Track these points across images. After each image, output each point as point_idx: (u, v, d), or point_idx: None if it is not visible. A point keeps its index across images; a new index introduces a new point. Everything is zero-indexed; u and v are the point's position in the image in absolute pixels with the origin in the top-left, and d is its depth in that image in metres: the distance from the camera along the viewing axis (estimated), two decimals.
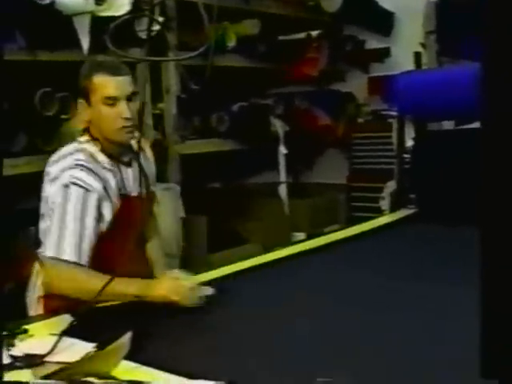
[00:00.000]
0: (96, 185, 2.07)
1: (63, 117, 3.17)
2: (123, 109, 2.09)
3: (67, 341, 1.67)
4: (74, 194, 2.03)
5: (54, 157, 2.15)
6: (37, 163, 2.87)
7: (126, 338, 1.59)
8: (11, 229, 3.03)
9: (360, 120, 4.88)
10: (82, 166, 2.07)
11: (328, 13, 4.57)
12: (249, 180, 5.40)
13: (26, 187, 2.56)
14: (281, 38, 4.49)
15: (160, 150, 3.73)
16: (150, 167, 2.38)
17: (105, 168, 2.13)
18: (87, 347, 1.66)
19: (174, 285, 1.98)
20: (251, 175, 5.37)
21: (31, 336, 1.75)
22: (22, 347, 1.64)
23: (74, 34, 3.07)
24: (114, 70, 2.09)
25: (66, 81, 3.20)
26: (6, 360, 1.54)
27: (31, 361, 1.55)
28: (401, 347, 1.67)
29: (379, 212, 3.74)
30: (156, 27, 2.98)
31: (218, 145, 4.20)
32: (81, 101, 2.15)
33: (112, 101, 2.09)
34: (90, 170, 2.08)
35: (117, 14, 3.07)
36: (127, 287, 1.97)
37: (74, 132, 3.15)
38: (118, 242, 2.14)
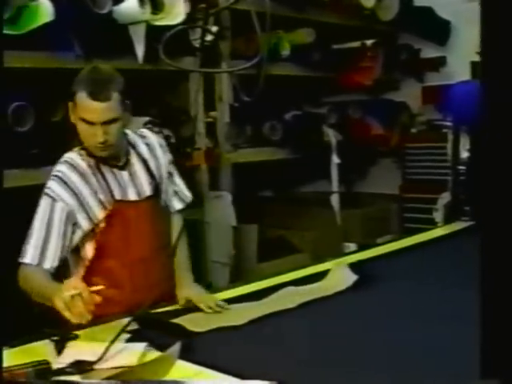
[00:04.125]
0: (65, 196, 2.08)
1: None
2: (98, 133, 2.04)
3: (118, 345, 1.67)
4: (42, 203, 2.08)
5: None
6: None
7: (176, 347, 1.60)
8: None
9: (414, 130, 4.82)
10: (56, 176, 2.10)
11: (383, 21, 4.53)
12: (301, 189, 5.38)
13: None
14: (335, 46, 4.46)
15: (212, 158, 3.76)
16: (158, 159, 2.30)
17: (86, 178, 2.12)
18: (138, 348, 1.67)
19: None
20: (303, 184, 5.35)
21: (82, 342, 1.76)
22: (72, 353, 1.65)
23: (130, 43, 3.10)
24: (95, 94, 2.01)
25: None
26: (56, 365, 1.56)
27: (81, 367, 1.56)
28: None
29: (432, 224, 3.68)
30: (209, 37, 2.98)
31: (270, 153, 4.19)
32: (70, 103, 2.10)
33: (88, 121, 2.04)
34: (62, 181, 2.09)
35: (172, 23, 3.10)
36: (46, 290, 1.93)
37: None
38: (118, 250, 2.14)
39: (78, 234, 2.12)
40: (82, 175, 2.12)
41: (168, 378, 1.52)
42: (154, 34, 3.12)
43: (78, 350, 1.68)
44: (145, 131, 2.40)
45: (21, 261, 2.04)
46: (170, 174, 2.35)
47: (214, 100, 3.85)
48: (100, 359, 1.60)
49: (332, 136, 4.42)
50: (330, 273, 2.39)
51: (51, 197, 2.07)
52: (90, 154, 2.14)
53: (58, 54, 2.94)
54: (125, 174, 2.19)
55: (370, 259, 2.82)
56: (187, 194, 2.41)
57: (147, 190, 2.22)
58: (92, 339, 1.78)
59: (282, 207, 4.80)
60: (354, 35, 4.50)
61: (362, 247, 3.72)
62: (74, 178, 2.10)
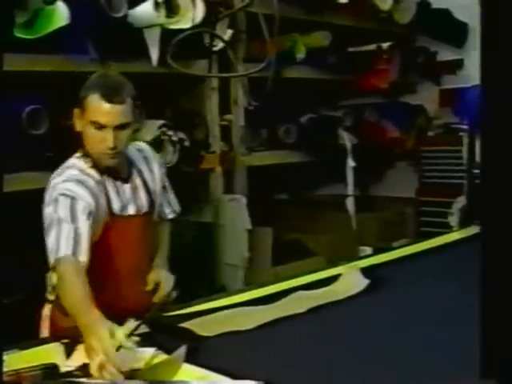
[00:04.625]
0: (84, 194, 2.00)
1: None
2: (109, 137, 1.99)
3: (128, 350, 1.67)
4: (61, 204, 1.97)
5: (55, 172, 2.11)
6: None
7: (182, 350, 1.60)
8: None
9: (430, 133, 4.79)
10: (70, 179, 2.03)
11: (400, 24, 4.51)
12: (316, 192, 5.37)
13: None
14: (351, 49, 4.44)
15: (227, 161, 3.76)
16: (154, 173, 2.26)
17: (96, 183, 2.07)
18: (148, 353, 1.67)
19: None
20: (319, 187, 5.33)
21: None
22: (80, 356, 1.66)
23: (144, 46, 3.11)
24: (110, 96, 1.97)
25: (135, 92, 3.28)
26: (64, 368, 1.57)
27: (89, 370, 1.56)
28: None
29: (448, 228, 3.65)
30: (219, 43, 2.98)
31: (285, 157, 4.19)
32: (76, 110, 2.06)
33: (99, 125, 1.99)
34: (78, 181, 2.03)
35: (187, 26, 3.11)
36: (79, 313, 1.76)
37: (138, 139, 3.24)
38: (109, 261, 2.10)
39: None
40: (93, 179, 2.06)
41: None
42: (169, 37, 3.14)
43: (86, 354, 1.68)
44: (142, 145, 2.34)
45: (55, 258, 1.90)
46: (164, 187, 2.33)
47: (229, 103, 3.85)
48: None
49: (347, 139, 4.40)
50: (342, 277, 2.38)
51: (69, 196, 1.98)
52: (94, 165, 2.08)
53: (73, 58, 2.96)
54: (127, 187, 2.16)
55: (385, 263, 2.81)
56: (177, 205, 2.44)
57: (145, 206, 2.19)
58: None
59: (298, 210, 4.79)
60: (370, 38, 4.48)
61: (377, 251, 3.71)
62: (84, 179, 2.04)
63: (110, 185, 2.11)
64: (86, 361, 1.62)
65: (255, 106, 3.81)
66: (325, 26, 4.13)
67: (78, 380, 1.54)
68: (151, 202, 2.22)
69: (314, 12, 4.04)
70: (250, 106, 3.93)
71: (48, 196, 2.03)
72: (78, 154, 2.13)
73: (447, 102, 4.70)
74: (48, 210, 1.99)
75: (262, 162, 4.02)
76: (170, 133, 3.32)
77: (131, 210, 2.15)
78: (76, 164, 2.09)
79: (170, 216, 2.39)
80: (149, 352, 1.67)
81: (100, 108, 1.98)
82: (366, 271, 2.51)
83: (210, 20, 3.08)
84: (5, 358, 1.64)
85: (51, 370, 1.53)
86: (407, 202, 4.87)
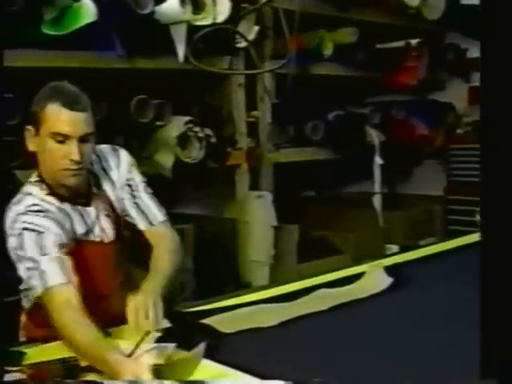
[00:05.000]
0: (51, 226, 1.84)
1: (158, 123, 3.23)
2: (73, 149, 1.82)
3: (147, 345, 1.68)
4: (27, 239, 1.81)
5: (14, 199, 1.92)
6: None
7: (201, 347, 1.60)
8: None
9: (459, 131, 4.74)
10: (32, 210, 1.85)
11: (429, 20, 4.46)
12: (343, 189, 5.35)
13: None
14: (379, 46, 4.41)
15: (253, 158, 3.76)
16: (116, 190, 2.06)
17: (58, 210, 1.91)
18: (168, 348, 1.68)
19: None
20: (345, 185, 5.31)
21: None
22: None
23: (171, 42, 3.12)
24: (72, 103, 1.81)
25: (161, 88, 3.30)
26: (84, 363, 1.58)
27: None
28: None
29: (476, 226, 3.60)
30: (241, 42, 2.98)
31: (312, 153, 4.18)
32: (29, 128, 1.89)
33: (62, 137, 1.82)
34: (40, 212, 1.86)
35: (212, 23, 3.12)
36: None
37: (168, 140, 3.25)
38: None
39: None
40: (51, 207, 1.90)
41: (192, 378, 1.52)
42: (195, 33, 3.15)
43: None
44: (101, 149, 2.10)
45: (44, 288, 1.76)
46: (132, 195, 2.08)
47: (255, 99, 3.85)
48: (129, 357, 1.61)
49: (375, 136, 4.37)
50: (365, 275, 2.37)
51: (35, 230, 1.81)
52: (51, 192, 1.92)
53: (100, 54, 2.98)
54: (90, 210, 2.00)
55: (410, 261, 2.78)
56: (157, 214, 2.09)
57: (110, 228, 2.03)
58: (123, 338, 1.79)
59: (324, 208, 4.77)
60: (398, 34, 4.44)
61: (403, 249, 3.68)
62: (45, 208, 1.88)
63: (70, 211, 1.95)
64: None
65: (277, 103, 3.80)
66: (352, 23, 4.11)
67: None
68: (118, 223, 2.05)
69: (342, 8, 4.02)
70: (278, 103, 3.93)
71: (9, 225, 1.85)
72: (33, 179, 1.96)
73: (477, 100, 4.64)
74: (12, 244, 1.83)
75: (288, 159, 4.01)
76: (197, 129, 3.33)
77: (97, 233, 2.00)
78: (33, 192, 1.92)
79: (143, 228, 2.07)
80: (169, 348, 1.68)
81: (62, 117, 1.81)
82: (390, 269, 2.49)
83: (234, 17, 3.07)
84: (27, 351, 1.67)
85: (72, 363, 1.54)
86: (435, 200, 4.83)
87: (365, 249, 4.21)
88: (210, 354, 1.64)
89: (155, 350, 1.65)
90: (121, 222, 2.07)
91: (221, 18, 3.16)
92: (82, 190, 1.99)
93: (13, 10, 2.65)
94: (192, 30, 3.14)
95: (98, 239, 2.01)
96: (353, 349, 1.76)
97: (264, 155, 3.84)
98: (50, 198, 1.92)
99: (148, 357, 1.60)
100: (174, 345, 1.69)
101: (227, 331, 1.86)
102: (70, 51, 2.89)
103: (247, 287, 3.47)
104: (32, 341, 1.89)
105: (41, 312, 1.82)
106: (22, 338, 2.05)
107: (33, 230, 1.81)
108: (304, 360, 1.68)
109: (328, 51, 4.06)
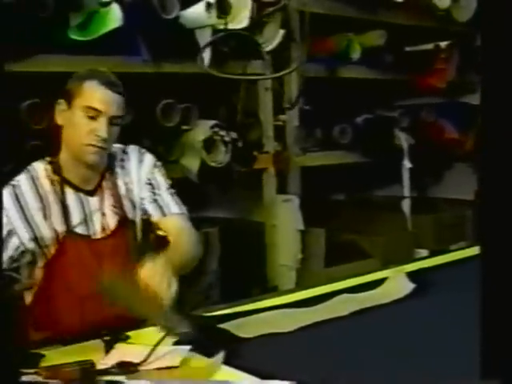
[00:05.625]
0: (11, 212, 1.90)
1: (184, 127, 3.25)
2: (102, 126, 1.89)
3: (164, 347, 1.69)
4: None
5: None
6: None
7: (220, 355, 1.61)
8: None
9: None
10: (12, 185, 1.94)
11: (459, 22, 4.41)
12: (371, 193, 5.31)
13: None
14: (407, 48, 4.37)
15: (280, 161, 3.76)
16: (130, 175, 2.08)
17: (43, 194, 1.95)
18: (183, 351, 1.68)
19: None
20: (374, 188, 5.27)
21: (129, 343, 1.79)
22: (117, 354, 1.68)
23: (196, 47, 3.13)
24: (109, 83, 1.92)
25: (187, 92, 3.31)
26: (101, 366, 1.59)
27: (125, 368, 1.58)
28: None
29: None
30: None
31: (339, 157, 4.16)
32: (60, 101, 1.97)
33: (94, 113, 1.90)
34: (14, 193, 1.93)
35: (238, 26, 3.12)
36: None
37: (194, 143, 3.26)
38: (68, 282, 1.94)
39: (26, 258, 1.95)
40: (40, 192, 1.96)
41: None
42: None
43: (123, 351, 1.70)
44: (128, 147, 2.17)
45: None
46: (152, 187, 2.10)
47: (283, 103, 3.84)
48: (144, 361, 1.62)
49: (404, 140, 4.34)
50: (388, 281, 2.34)
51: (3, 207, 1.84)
52: (55, 171, 1.98)
53: (126, 59, 3.00)
54: (93, 200, 2.01)
55: (439, 266, 2.75)
56: (172, 206, 2.10)
57: (112, 223, 2.02)
58: (142, 340, 1.80)
59: (353, 211, 4.74)
60: (427, 37, 4.40)
61: (433, 253, 3.63)
62: (28, 193, 1.94)
63: (70, 196, 1.98)
64: (123, 359, 1.64)
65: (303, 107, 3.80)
66: (380, 25, 4.08)
67: (115, 379, 1.55)
68: (123, 218, 2.04)
69: (370, 11, 3.99)
70: (307, 107, 3.92)
71: None
72: (47, 159, 2.02)
73: None
74: None
75: (316, 163, 4.00)
76: (223, 133, 3.33)
77: (96, 225, 2.00)
78: (33, 169, 1.99)
79: (156, 218, 2.07)
80: (183, 350, 1.68)
81: (98, 93, 1.89)
82: (415, 274, 2.46)
83: (256, 20, 3.08)
84: (45, 353, 1.69)
85: (88, 366, 1.55)
86: (467, 204, 4.76)
87: (393, 253, 4.17)
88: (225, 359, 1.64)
89: (170, 352, 1.66)
90: (126, 220, 2.04)
91: (245, 23, 3.16)
92: (92, 177, 2.01)
93: (42, 16, 2.69)
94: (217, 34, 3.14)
95: (91, 232, 2.00)
96: (366, 354, 1.74)
97: (291, 159, 3.83)
98: (54, 177, 1.95)
99: (163, 360, 1.61)
100: (188, 347, 1.69)
101: (245, 336, 1.85)
102: (96, 56, 2.91)
103: (274, 291, 3.47)
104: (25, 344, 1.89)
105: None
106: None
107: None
108: (318, 365, 1.66)
109: (356, 54, 4.04)
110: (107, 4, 2.87)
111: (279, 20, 3.38)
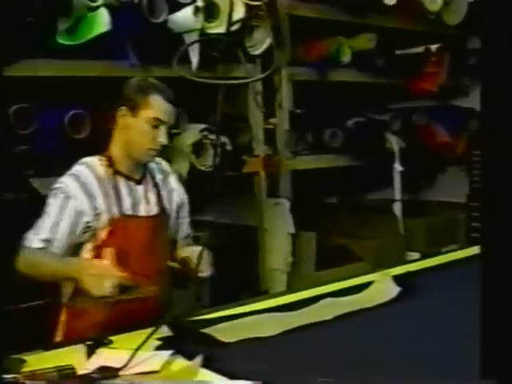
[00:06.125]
0: (79, 195, 2.12)
1: (173, 131, 3.23)
2: (163, 134, 2.19)
3: (144, 352, 1.69)
4: (54, 200, 2.13)
5: None
6: None
7: (199, 358, 1.60)
8: None
9: None
10: (73, 175, 2.16)
11: (450, 25, 4.41)
12: (363, 196, 5.31)
13: None
14: (398, 52, 4.37)
15: (271, 165, 3.75)
16: (170, 189, 2.38)
17: (100, 181, 2.17)
18: (163, 356, 1.68)
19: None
20: (365, 192, 5.27)
21: (113, 348, 1.79)
22: (98, 359, 1.68)
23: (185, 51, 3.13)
24: (170, 98, 2.22)
25: (176, 96, 3.30)
26: (81, 371, 1.59)
27: (106, 373, 1.58)
28: None
29: None
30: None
31: (330, 161, 4.16)
32: (122, 108, 2.20)
33: (158, 123, 2.17)
34: (79, 180, 2.14)
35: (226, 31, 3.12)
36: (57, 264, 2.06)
37: (183, 147, 3.26)
38: (119, 263, 2.02)
39: (88, 234, 2.16)
40: (99, 179, 2.17)
41: None
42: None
43: (105, 356, 1.70)
44: (161, 161, 2.44)
45: (27, 245, 2.10)
46: (180, 207, 2.40)
47: (274, 106, 3.84)
48: (125, 366, 1.62)
49: (395, 143, 4.34)
50: (373, 284, 2.34)
51: (64, 192, 2.12)
52: (109, 164, 2.21)
53: (114, 63, 3.00)
54: (140, 188, 2.27)
55: (429, 269, 2.75)
56: (189, 230, 2.49)
57: (154, 209, 2.28)
58: (125, 345, 1.80)
59: (344, 215, 4.74)
60: (418, 40, 4.40)
61: (425, 256, 3.63)
62: (90, 179, 2.16)
63: (122, 184, 2.22)
64: (104, 364, 1.63)
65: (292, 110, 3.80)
66: (371, 29, 4.08)
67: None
68: (162, 207, 2.30)
69: (360, 14, 4.00)
70: (298, 110, 3.92)
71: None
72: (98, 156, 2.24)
73: None
74: (48, 200, 2.16)
75: (307, 166, 4.00)
76: (212, 136, 3.33)
77: (142, 211, 2.24)
78: (89, 161, 2.21)
79: (182, 242, 2.43)
80: (164, 355, 1.68)
81: (163, 107, 2.19)
82: (404, 277, 2.46)
83: (253, 23, 3.08)
84: (27, 358, 1.69)
85: (68, 371, 1.55)
86: (458, 207, 4.76)
87: (385, 256, 4.16)
88: (207, 363, 1.64)
89: (151, 357, 1.65)
90: (164, 211, 2.31)
91: (234, 26, 3.16)
92: (139, 168, 2.27)
93: (30, 21, 2.68)
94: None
95: (143, 213, 2.24)
96: (352, 359, 1.74)
97: (282, 162, 3.83)
98: (101, 169, 2.18)
99: (144, 364, 1.61)
100: (170, 352, 1.69)
101: (227, 340, 1.85)
102: (84, 61, 2.91)
103: (265, 295, 3.46)
104: (72, 337, 2.05)
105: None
106: (58, 338, 2.17)
107: (61, 193, 2.13)
108: (301, 369, 1.66)
109: (346, 58, 4.04)
110: (95, 8, 2.87)
111: (269, 24, 3.38)
